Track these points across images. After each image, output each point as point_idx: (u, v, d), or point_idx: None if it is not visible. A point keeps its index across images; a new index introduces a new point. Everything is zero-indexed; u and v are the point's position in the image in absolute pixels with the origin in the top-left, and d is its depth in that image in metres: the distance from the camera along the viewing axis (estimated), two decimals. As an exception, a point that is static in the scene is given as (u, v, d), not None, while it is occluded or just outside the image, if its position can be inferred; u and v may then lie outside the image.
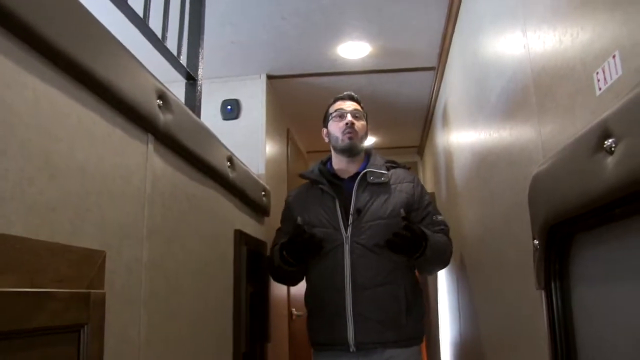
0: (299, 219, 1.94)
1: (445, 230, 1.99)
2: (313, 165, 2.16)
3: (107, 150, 1.01)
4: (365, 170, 2.00)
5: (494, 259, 1.63)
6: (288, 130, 3.46)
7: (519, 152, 1.26)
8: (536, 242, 1.04)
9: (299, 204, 2.10)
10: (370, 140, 3.39)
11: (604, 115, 0.71)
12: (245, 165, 2.05)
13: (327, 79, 2.85)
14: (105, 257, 0.94)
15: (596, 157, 0.73)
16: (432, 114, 3.37)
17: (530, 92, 1.14)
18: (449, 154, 2.66)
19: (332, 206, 1.99)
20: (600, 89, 0.76)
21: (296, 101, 3.18)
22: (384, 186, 1.99)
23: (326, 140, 2.17)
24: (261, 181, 2.30)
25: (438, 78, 2.78)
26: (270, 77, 2.76)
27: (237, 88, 2.71)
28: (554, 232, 0.96)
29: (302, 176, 2.16)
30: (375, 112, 3.31)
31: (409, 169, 2.17)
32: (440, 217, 2.03)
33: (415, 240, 1.80)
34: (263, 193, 2.30)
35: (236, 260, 1.84)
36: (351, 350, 1.85)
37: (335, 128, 2.06)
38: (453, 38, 2.30)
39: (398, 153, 4.56)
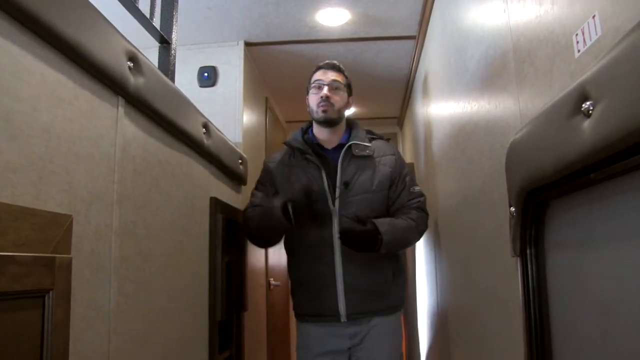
0: (306, 185, 1.88)
1: (421, 202, 1.99)
2: (295, 133, 2.11)
3: (74, 112, 0.98)
4: (350, 143, 1.98)
5: (470, 228, 1.64)
6: (266, 99, 3.42)
7: (497, 119, 1.25)
8: (512, 209, 1.04)
9: (281, 170, 2.04)
10: (349, 111, 3.36)
11: (582, 77, 0.69)
12: (222, 132, 2.01)
13: (306, 47, 2.80)
14: (72, 221, 0.91)
15: (573, 120, 0.72)
16: (412, 84, 3.35)
17: (509, 58, 1.12)
18: (428, 125, 2.65)
19: (319, 177, 1.95)
20: (579, 51, 0.74)
21: (275, 69, 3.12)
22: (369, 159, 1.98)
23: (308, 109, 2.12)
24: (238, 149, 2.27)
25: (418, 47, 2.75)
26: (248, 44, 2.70)
27: (214, 55, 2.65)
28: (530, 198, 0.95)
29: (286, 144, 2.08)
30: (354, 82, 3.24)
31: (388, 140, 2.16)
32: (417, 188, 2.03)
33: (369, 240, 1.82)
34: (240, 161, 2.27)
35: (212, 229, 1.82)
36: (342, 320, 1.88)
37: (312, 100, 2.03)
38: (434, 6, 2.26)
39: (378, 124, 4.54)
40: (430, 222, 2.61)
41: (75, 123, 0.98)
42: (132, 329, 1.18)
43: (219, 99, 2.58)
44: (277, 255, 3.43)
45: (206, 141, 1.75)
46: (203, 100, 2.35)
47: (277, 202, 1.82)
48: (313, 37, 2.68)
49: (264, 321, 3.01)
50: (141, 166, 1.27)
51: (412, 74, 3.18)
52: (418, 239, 2.03)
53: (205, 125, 1.76)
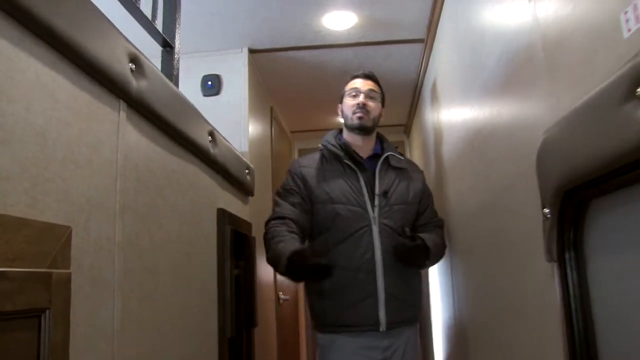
0: (306, 244, 1.92)
1: (441, 222, 2.13)
2: (326, 137, 2.11)
3: (72, 116, 0.91)
4: (387, 154, 2.04)
5: (491, 235, 1.56)
6: (272, 109, 3.35)
7: (524, 117, 1.18)
8: (546, 210, 0.96)
9: (316, 176, 2.00)
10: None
11: (638, 58, 0.62)
12: (228, 141, 1.94)
13: (312, 53, 2.74)
14: (70, 233, 0.84)
15: (626, 107, 0.65)
16: (420, 89, 3.28)
17: (536, 49, 1.05)
18: (438, 130, 2.58)
19: (358, 184, 1.98)
20: (629, 30, 0.67)
21: (279, 78, 3.06)
22: (404, 172, 2.06)
23: (340, 116, 2.17)
24: (245, 159, 2.20)
25: (427, 51, 2.69)
26: (252, 51, 2.64)
27: (217, 63, 2.59)
28: (568, 198, 0.88)
29: (324, 147, 2.07)
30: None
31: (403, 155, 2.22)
32: (434, 208, 2.16)
33: (420, 255, 1.91)
34: (247, 171, 2.20)
35: (219, 241, 1.75)
36: (381, 329, 1.89)
37: (348, 106, 2.07)
38: (443, 6, 2.20)
39: (384, 132, 4.46)
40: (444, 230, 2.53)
41: (73, 127, 0.91)
42: (138, 349, 1.10)
43: (224, 107, 2.52)
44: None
45: (212, 150, 1.68)
46: (207, 110, 2.25)
47: (288, 251, 1.72)
48: (319, 43, 2.62)
49: (274, 337, 2.92)
50: (145, 175, 1.20)
51: (420, 79, 3.11)
52: (443, 255, 2.13)
53: (212, 134, 1.70)
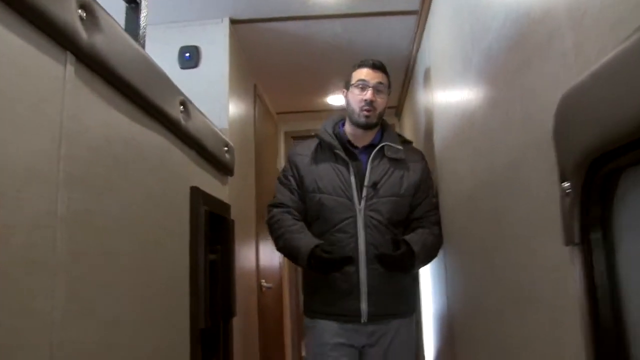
0: (317, 248, 1.89)
1: (438, 217, 2.06)
2: (325, 124, 2.10)
3: (2, 66, 0.75)
4: (383, 144, 2.00)
5: (493, 215, 1.42)
6: (255, 87, 3.19)
7: (536, 79, 1.04)
8: (566, 184, 0.83)
9: (308, 165, 2.04)
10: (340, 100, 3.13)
11: None
12: (204, 114, 1.79)
13: (297, 25, 2.58)
14: (-9, 203, 0.69)
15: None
16: (413, 68, 3.14)
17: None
18: (432, 111, 2.44)
19: (347, 175, 1.97)
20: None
21: (263, 52, 2.90)
22: (400, 162, 2.01)
23: (343, 103, 2.12)
24: (224, 136, 2.04)
25: (421, 24, 2.54)
26: (233, 22, 2.47)
27: (196, 34, 2.42)
28: (596, 168, 0.74)
29: (316, 137, 2.09)
30: (349, 64, 3.06)
31: (411, 143, 2.23)
32: (434, 200, 2.09)
33: (404, 263, 1.89)
34: (226, 149, 2.05)
35: (192, 223, 1.60)
36: (362, 321, 1.92)
37: (355, 100, 2.01)
38: (440, -27, 2.06)
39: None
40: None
41: (3, 79, 0.75)
42: (89, 343, 0.95)
43: (203, 81, 2.35)
44: (269, 256, 3.21)
45: (184, 122, 1.53)
46: (184, 83, 2.07)
47: (306, 248, 1.87)
48: (305, 13, 2.45)
49: (256, 326, 2.78)
50: (99, 142, 1.05)
51: (413, 56, 2.97)
52: (436, 255, 2.09)
53: (184, 104, 1.54)
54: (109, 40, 1.07)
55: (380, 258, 1.88)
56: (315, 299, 2.02)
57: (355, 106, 2.00)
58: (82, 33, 0.96)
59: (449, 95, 2.01)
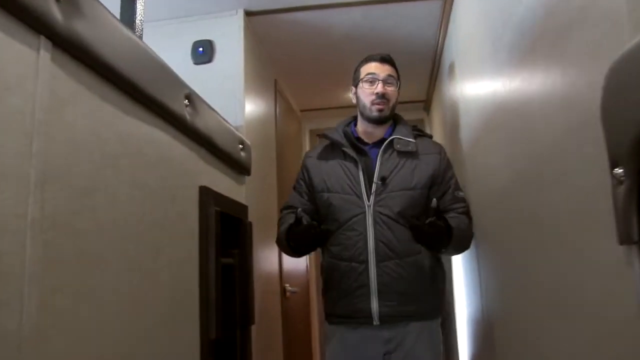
0: (298, 211, 1.85)
1: (465, 208, 1.96)
2: (337, 125, 2.08)
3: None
4: (392, 137, 1.95)
5: (530, 212, 1.28)
6: (276, 83, 3.09)
7: (576, 49, 0.90)
8: (619, 171, 0.69)
9: (318, 165, 2.02)
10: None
11: None
12: (215, 111, 1.69)
13: (315, 15, 2.46)
14: None
15: None
16: (440, 58, 2.99)
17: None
18: (461, 102, 2.30)
19: (355, 172, 1.93)
20: None
21: (282, 46, 2.79)
22: (411, 155, 1.94)
23: (353, 101, 2.08)
24: (238, 132, 1.94)
25: (446, 10, 2.40)
26: (248, 14, 2.37)
27: (209, 27, 2.33)
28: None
29: (323, 136, 2.05)
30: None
31: (431, 137, 2.17)
32: (461, 194, 1.99)
33: (441, 237, 1.81)
34: (241, 146, 1.95)
35: (202, 225, 1.50)
36: (374, 323, 1.83)
37: (365, 95, 1.98)
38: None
39: (400, 110, 4.16)
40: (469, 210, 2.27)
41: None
42: (71, 362, 0.86)
43: (217, 76, 2.26)
44: (294, 258, 3.10)
45: (190, 117, 1.43)
46: (198, 79, 2.03)
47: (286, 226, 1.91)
48: (323, 2, 2.34)
49: (279, 333, 2.67)
50: (84, 137, 0.95)
51: (439, 45, 2.82)
52: (469, 245, 1.98)
53: (189, 98, 1.44)
54: (95, 26, 0.98)
55: (414, 228, 1.82)
56: (327, 300, 1.98)
57: (367, 101, 1.96)
58: (57, 15, 0.86)
59: (478, 81, 1.87)
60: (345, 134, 2.00)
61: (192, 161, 1.51)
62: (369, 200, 1.88)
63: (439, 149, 2.05)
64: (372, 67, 1.99)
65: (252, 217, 2.06)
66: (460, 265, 2.79)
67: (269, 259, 2.55)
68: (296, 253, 2.01)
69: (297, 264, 3.17)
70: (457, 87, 2.37)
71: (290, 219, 1.93)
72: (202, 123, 1.52)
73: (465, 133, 2.24)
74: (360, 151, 1.96)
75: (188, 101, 1.43)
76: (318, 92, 3.71)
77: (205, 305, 1.46)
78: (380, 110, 1.94)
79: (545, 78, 1.09)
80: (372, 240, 1.84)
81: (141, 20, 1.34)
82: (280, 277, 2.77)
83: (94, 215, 0.96)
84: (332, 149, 2.01)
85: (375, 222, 1.86)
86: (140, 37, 1.31)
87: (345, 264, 1.87)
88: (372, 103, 1.94)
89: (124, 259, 1.06)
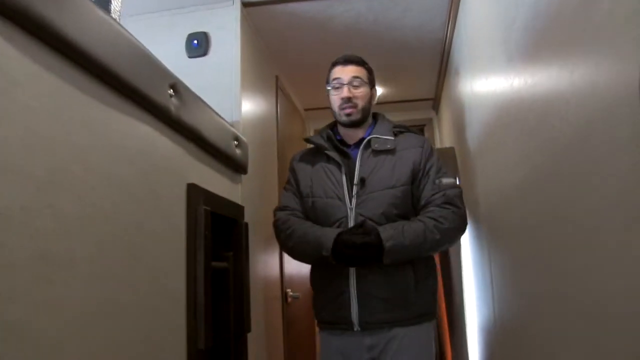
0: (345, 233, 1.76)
1: (448, 195, 1.82)
2: (322, 129, 2.07)
3: None
4: (369, 137, 1.93)
5: (551, 210, 1.16)
6: (277, 79, 2.98)
7: (606, 18, 0.78)
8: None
9: (303, 169, 2.00)
10: (379, 91, 2.90)
11: None
12: (206, 103, 1.59)
13: (316, 6, 2.36)
14: None
15: None
16: (449, 51, 2.88)
17: None
18: (470, 94, 2.18)
19: (338, 174, 1.90)
20: None
21: (284, 40, 2.69)
22: (390, 153, 1.90)
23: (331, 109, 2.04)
24: (232, 128, 1.84)
25: (455, 1, 2.29)
26: (245, 4, 2.27)
27: (204, 19, 2.22)
28: None
29: (307, 140, 2.06)
30: (378, 53, 2.84)
31: (419, 133, 2.12)
32: (445, 181, 1.87)
33: (367, 253, 1.72)
34: (236, 143, 1.85)
35: (190, 225, 1.40)
36: (355, 329, 1.79)
37: (333, 101, 1.97)
38: None
39: (408, 109, 4.05)
40: (478, 211, 2.16)
41: None
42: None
43: (212, 70, 2.15)
44: (297, 262, 2.98)
45: (176, 108, 1.33)
46: (193, 74, 1.95)
47: (330, 234, 1.77)
48: (325, -8, 2.24)
49: (280, 340, 2.56)
50: (44, 124, 0.85)
51: (448, 37, 2.71)
52: (447, 242, 1.83)
53: (175, 87, 1.34)
54: (57, 2, 0.88)
55: (333, 250, 1.73)
56: (314, 305, 1.96)
57: (335, 107, 1.95)
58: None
59: (490, 73, 1.75)
60: (328, 137, 1.98)
61: (179, 156, 1.40)
62: (350, 203, 1.84)
63: (422, 141, 1.96)
64: (337, 72, 1.96)
65: (250, 218, 1.95)
66: (470, 267, 2.67)
67: (269, 263, 2.44)
68: (297, 256, 1.96)
69: (299, 268, 3.05)
70: (467, 82, 2.25)
71: (305, 223, 1.88)
72: (189, 116, 1.41)
73: (476, 130, 2.13)
74: (343, 153, 1.93)
75: (173, 91, 1.33)
76: (322, 90, 3.60)
77: (193, 313, 1.36)
78: (348, 115, 1.92)
79: (564, 64, 0.98)
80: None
81: (118, 3, 1.23)
82: (281, 282, 2.66)
83: (56, 213, 0.86)
84: (316, 152, 2.00)
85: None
86: (118, 20, 1.20)
87: (329, 270, 1.83)
88: (341, 108, 1.92)
89: (95, 263, 0.96)
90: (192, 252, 1.38)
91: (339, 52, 2.79)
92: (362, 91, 1.93)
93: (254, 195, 2.17)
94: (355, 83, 1.92)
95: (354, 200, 1.84)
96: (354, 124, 1.95)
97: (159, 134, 1.29)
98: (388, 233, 1.71)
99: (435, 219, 1.76)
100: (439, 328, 3.48)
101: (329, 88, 1.98)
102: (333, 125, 2.05)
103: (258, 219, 2.17)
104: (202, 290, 1.38)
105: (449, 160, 2.82)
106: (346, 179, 1.87)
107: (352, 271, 1.79)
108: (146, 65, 1.21)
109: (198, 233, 1.41)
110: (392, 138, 1.93)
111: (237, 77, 2.16)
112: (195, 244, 1.40)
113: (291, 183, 2.02)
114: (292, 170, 2.04)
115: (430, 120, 4.22)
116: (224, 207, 1.70)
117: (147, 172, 1.20)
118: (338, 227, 1.82)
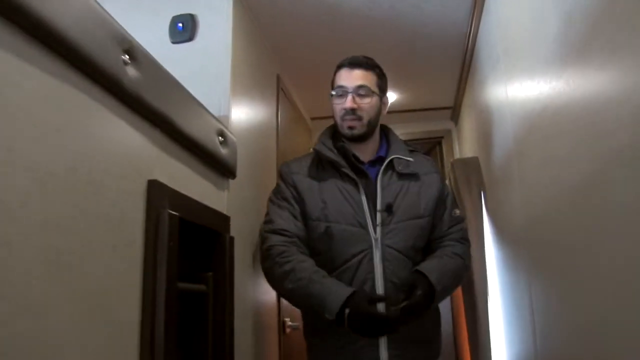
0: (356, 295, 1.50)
1: (464, 230, 1.79)
2: (323, 137, 1.81)
3: None
4: (391, 157, 1.73)
5: (610, 223, 0.87)
6: (279, 79, 2.70)
7: None
8: None
9: (310, 186, 1.72)
10: (390, 97, 2.59)
11: None
12: (178, 82, 1.30)
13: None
14: None
15: None
16: (473, 51, 2.59)
17: None
18: (504, 100, 1.89)
19: (357, 197, 1.68)
20: None
21: (285, 28, 2.39)
22: (413, 177, 1.75)
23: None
24: (216, 120, 1.55)
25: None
26: (240, -15, 2.00)
27: (192, 0, 1.95)
28: None
29: (317, 151, 1.76)
30: (391, 48, 2.56)
31: (424, 153, 2.01)
32: (457, 212, 1.81)
33: (424, 307, 1.57)
34: (221, 139, 1.55)
35: (148, 235, 1.09)
36: None
37: (335, 110, 1.77)
38: None
39: (423, 119, 3.74)
40: (512, 228, 1.88)
41: None
42: None
43: (199, 57, 1.86)
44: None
45: (131, 80, 1.04)
46: (176, 61, 1.67)
47: (338, 295, 1.50)
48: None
49: (276, 379, 2.23)
50: None
51: (473, 32, 2.42)
52: (462, 279, 1.79)
53: (131, 52, 1.05)
54: None
55: (402, 309, 1.53)
56: (317, 347, 1.72)
57: (337, 117, 1.76)
58: None
59: (533, 72, 1.46)
60: (340, 150, 1.74)
61: (137, 145, 1.10)
62: (375, 233, 1.64)
63: (435, 166, 1.87)
64: (341, 77, 1.76)
65: (237, 232, 1.65)
66: (500, 295, 2.34)
67: (262, 286, 2.12)
68: (291, 301, 1.69)
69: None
70: (500, 85, 1.95)
71: (310, 266, 1.59)
72: (153, 93, 1.12)
73: (509, 144, 1.83)
74: (359, 172, 1.71)
75: (129, 58, 1.04)
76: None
77: (149, 351, 1.04)
78: (351, 128, 1.72)
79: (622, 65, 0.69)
80: (381, 280, 1.61)
81: None
82: (278, 309, 2.33)
83: None
84: (322, 166, 1.76)
85: (384, 259, 1.63)
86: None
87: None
88: (342, 119, 1.73)
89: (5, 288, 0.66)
90: (150, 269, 1.07)
91: (347, 46, 2.52)
92: (368, 102, 1.73)
93: (244, 205, 1.86)
94: (361, 92, 1.72)
95: (379, 230, 1.64)
96: (357, 139, 1.75)
97: (108, 111, 0.99)
98: (434, 276, 1.57)
99: (461, 257, 1.70)
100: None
101: (332, 93, 1.77)
102: (334, 133, 1.82)
103: (248, 233, 1.86)
104: (163, 319, 1.07)
105: (472, 171, 2.52)
106: (368, 203, 1.67)
107: (382, 309, 1.56)
108: (87, 14, 0.92)
109: (160, 244, 1.10)
110: (412, 160, 1.76)
111: (227, 65, 1.86)
112: (155, 258, 1.09)
113: (288, 200, 1.73)
114: (290, 185, 1.76)
115: (449, 132, 3.90)
116: (203, 216, 1.40)
117: (84, 159, 0.90)
118: (358, 260, 1.62)
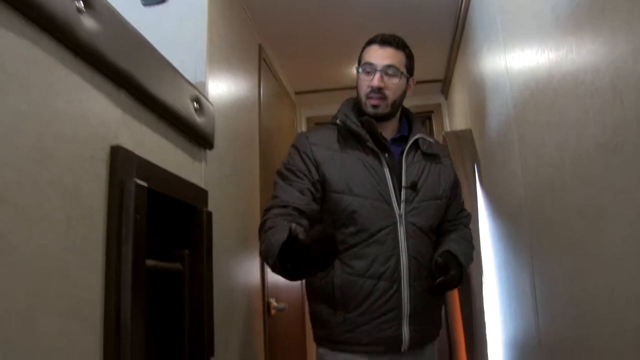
0: (293, 227, 1.17)
1: (469, 217, 1.89)
2: (345, 107, 1.78)
3: None
4: (417, 137, 1.74)
5: (619, 185, 0.78)
6: (260, 49, 2.58)
7: None
8: None
9: (332, 158, 1.67)
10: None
11: None
12: (144, 37, 1.19)
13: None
14: None
15: None
16: (465, 18, 2.49)
17: None
18: (507, 72, 1.80)
19: (382, 172, 1.67)
20: None
21: (268, 0, 2.29)
22: (434, 159, 1.78)
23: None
24: (190, 85, 1.44)
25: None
26: (217, -58, 1.87)
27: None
28: None
29: (343, 127, 1.72)
30: (377, 21, 2.45)
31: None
32: (462, 198, 1.91)
33: (456, 283, 1.63)
34: (196, 105, 1.44)
35: (112, 207, 0.98)
36: (403, 349, 1.62)
37: (361, 87, 1.74)
38: None
39: (413, 92, 3.62)
40: (512, 201, 1.82)
41: None
42: None
43: (172, 21, 1.74)
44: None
45: (87, 31, 0.92)
46: (148, 27, 1.53)
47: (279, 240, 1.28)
48: None
49: (261, 362, 2.15)
50: None
51: (464, 3, 2.32)
52: None
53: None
54: None
55: (433, 291, 1.58)
56: (336, 319, 1.62)
57: (362, 93, 1.73)
58: None
59: (537, 42, 1.37)
60: (365, 125, 1.70)
61: (97, 105, 0.99)
62: (399, 209, 1.64)
63: (446, 150, 1.92)
64: (371, 53, 1.72)
65: (216, 207, 1.55)
66: (497, 277, 2.27)
67: (246, 265, 2.03)
68: (295, 278, 1.41)
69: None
70: (499, 55, 1.86)
71: (284, 231, 1.33)
72: (114, 48, 1.01)
73: (509, 111, 1.75)
74: (382, 147, 1.69)
75: (83, 4, 0.92)
76: (318, 69, 3.20)
77: (114, 335, 0.94)
78: (374, 107, 1.69)
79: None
80: (405, 256, 1.62)
81: None
82: (262, 290, 2.23)
83: None
84: (342, 138, 1.72)
85: (408, 236, 1.63)
86: None
87: (370, 283, 1.59)
88: (367, 97, 1.70)
89: None
90: (114, 244, 0.97)
91: (333, 17, 2.40)
92: (396, 82, 1.70)
93: (223, 178, 1.76)
94: (389, 71, 1.69)
95: (403, 206, 1.64)
96: (379, 118, 1.71)
97: (61, 65, 0.88)
98: (463, 258, 1.64)
99: (469, 241, 1.79)
100: (451, 340, 3.11)
101: (360, 70, 1.74)
102: (354, 106, 1.78)
103: (228, 209, 1.76)
104: (129, 299, 0.97)
105: (465, 143, 2.44)
106: (392, 178, 1.66)
107: (405, 285, 1.60)
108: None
109: (125, 217, 1.00)
110: (433, 141, 1.79)
111: (203, 30, 1.74)
112: (119, 232, 0.98)
113: (296, 173, 1.64)
114: (309, 158, 1.67)
115: (439, 106, 3.81)
116: (177, 188, 1.30)
117: (35, 122, 0.79)
118: (382, 235, 1.60)
